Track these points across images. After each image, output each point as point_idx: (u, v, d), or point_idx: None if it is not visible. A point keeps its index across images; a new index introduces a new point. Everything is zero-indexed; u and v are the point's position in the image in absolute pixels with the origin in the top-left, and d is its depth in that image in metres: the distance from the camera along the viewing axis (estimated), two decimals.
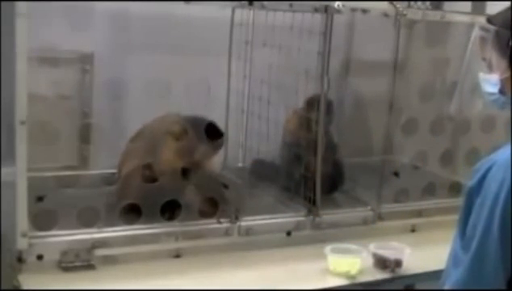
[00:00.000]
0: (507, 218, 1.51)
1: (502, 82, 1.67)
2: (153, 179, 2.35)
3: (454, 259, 1.61)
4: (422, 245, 2.51)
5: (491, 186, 1.54)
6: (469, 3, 3.22)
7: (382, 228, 2.65)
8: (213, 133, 2.43)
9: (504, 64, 1.66)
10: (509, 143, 1.58)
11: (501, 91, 1.70)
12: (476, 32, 1.78)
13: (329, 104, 2.61)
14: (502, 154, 1.57)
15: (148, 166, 2.38)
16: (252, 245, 2.41)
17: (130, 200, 2.29)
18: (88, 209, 2.19)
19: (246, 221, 2.40)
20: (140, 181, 2.36)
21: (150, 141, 2.44)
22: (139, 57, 2.74)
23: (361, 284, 2.26)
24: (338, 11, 2.43)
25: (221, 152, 2.58)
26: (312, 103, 2.58)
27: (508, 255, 1.52)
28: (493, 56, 1.69)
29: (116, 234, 2.22)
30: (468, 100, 2.78)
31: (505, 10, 1.68)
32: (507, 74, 1.66)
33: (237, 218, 2.38)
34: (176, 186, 2.37)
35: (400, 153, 3.13)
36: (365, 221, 2.64)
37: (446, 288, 1.60)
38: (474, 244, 1.55)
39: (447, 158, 2.69)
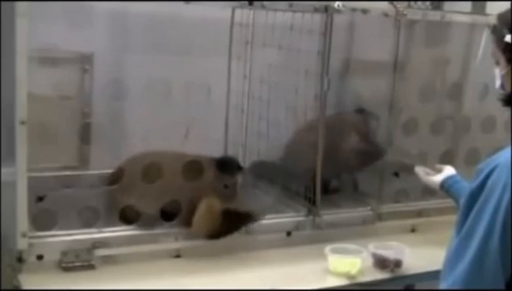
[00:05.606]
0: (508, 222, 1.51)
1: (503, 77, 1.68)
2: None
3: (450, 260, 1.60)
4: (422, 245, 2.51)
5: (494, 188, 1.53)
6: (469, 3, 3.23)
7: (382, 228, 2.65)
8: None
9: (503, 59, 1.67)
10: (511, 143, 1.58)
11: (502, 87, 1.70)
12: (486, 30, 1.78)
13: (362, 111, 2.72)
14: (505, 156, 1.57)
15: None
16: (252, 245, 2.41)
17: None
18: (88, 209, 2.19)
19: None
20: None
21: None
22: (139, 57, 2.73)
23: (361, 284, 2.26)
24: (338, 11, 2.43)
25: None
26: None
27: (507, 259, 1.52)
28: (496, 51, 1.70)
29: (116, 234, 2.22)
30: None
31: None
32: (506, 70, 1.66)
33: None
34: None
35: (400, 154, 3.13)
36: (365, 221, 2.65)
37: (442, 289, 1.60)
38: (474, 245, 1.54)
39: (447, 158, 2.68)
